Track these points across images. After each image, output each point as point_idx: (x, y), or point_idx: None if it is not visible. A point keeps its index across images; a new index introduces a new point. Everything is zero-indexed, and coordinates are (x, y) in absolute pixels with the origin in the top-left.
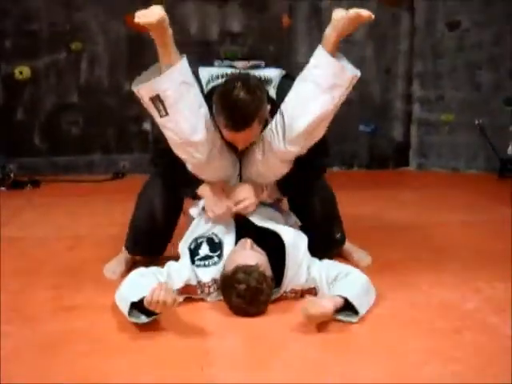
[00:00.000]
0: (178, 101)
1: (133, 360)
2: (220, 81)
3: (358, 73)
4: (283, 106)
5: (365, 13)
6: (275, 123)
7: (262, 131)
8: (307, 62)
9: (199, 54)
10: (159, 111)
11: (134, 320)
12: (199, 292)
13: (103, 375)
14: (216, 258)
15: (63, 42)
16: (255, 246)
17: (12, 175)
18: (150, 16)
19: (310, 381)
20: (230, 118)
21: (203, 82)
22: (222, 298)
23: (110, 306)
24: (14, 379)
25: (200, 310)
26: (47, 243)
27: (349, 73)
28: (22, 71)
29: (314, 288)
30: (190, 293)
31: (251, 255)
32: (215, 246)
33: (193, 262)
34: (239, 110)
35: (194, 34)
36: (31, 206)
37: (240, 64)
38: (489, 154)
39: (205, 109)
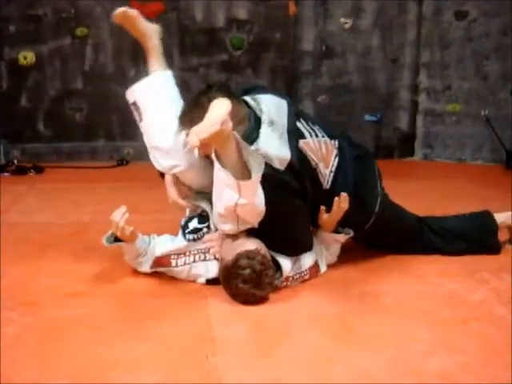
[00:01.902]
0: (150, 109)
1: (137, 348)
2: None
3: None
4: None
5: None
6: None
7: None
8: (313, 49)
9: (205, 41)
10: (136, 116)
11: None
12: (173, 263)
13: (106, 363)
14: (205, 229)
15: (68, 28)
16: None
17: (15, 161)
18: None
19: (316, 369)
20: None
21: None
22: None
23: (114, 292)
24: (16, 366)
25: (204, 298)
26: (50, 229)
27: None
28: (26, 56)
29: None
30: (163, 265)
31: (249, 241)
32: (204, 218)
33: (184, 236)
34: (190, 107)
35: (200, 21)
36: (34, 191)
37: None
38: (495, 145)
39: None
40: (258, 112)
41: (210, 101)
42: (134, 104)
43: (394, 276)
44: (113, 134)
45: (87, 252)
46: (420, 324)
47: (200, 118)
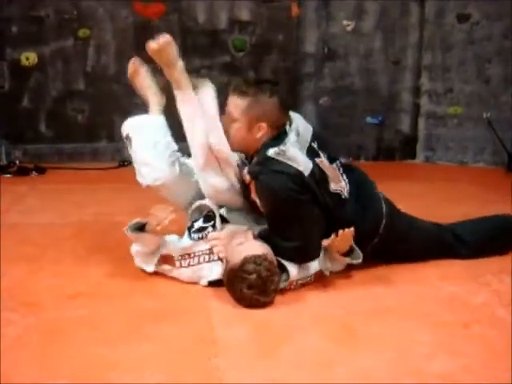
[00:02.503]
0: (140, 135)
1: (138, 349)
2: None
3: None
4: None
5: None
6: None
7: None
8: (315, 51)
9: (207, 42)
10: (128, 146)
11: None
12: (177, 264)
13: (107, 363)
14: (210, 228)
15: (70, 29)
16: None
17: (17, 162)
18: None
19: (317, 371)
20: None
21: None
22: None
23: (115, 293)
24: (17, 366)
25: (207, 300)
26: (52, 230)
27: None
28: (29, 57)
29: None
30: (167, 262)
31: (257, 245)
32: (209, 218)
33: (190, 236)
34: (251, 82)
35: (202, 22)
36: (36, 192)
37: None
38: (497, 147)
39: (163, 146)
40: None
41: (271, 92)
42: (127, 137)
43: (395, 278)
44: (114, 135)
45: (88, 253)
46: (421, 326)
47: (252, 95)
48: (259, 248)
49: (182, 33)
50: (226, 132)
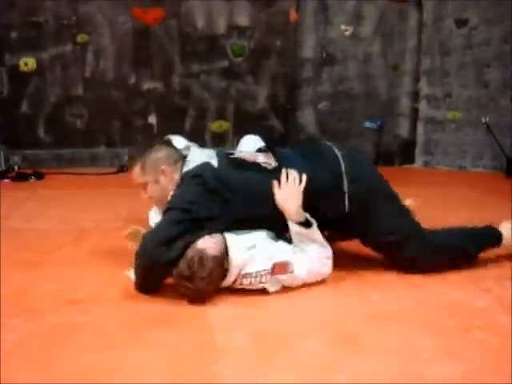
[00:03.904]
0: None
1: (138, 355)
2: None
3: None
4: None
5: None
6: None
7: None
8: (313, 56)
9: (206, 47)
10: None
11: None
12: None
13: (107, 369)
14: None
15: (69, 35)
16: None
17: (16, 167)
18: None
19: (317, 377)
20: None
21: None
22: None
23: (115, 299)
24: (17, 372)
25: (206, 305)
26: (51, 236)
27: None
28: (27, 63)
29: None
30: None
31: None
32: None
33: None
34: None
35: (200, 28)
36: (35, 198)
37: None
38: (496, 152)
39: None
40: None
41: (145, 147)
42: None
43: (395, 284)
44: (113, 141)
45: (88, 258)
46: (422, 332)
47: (138, 159)
48: (205, 242)
49: (181, 38)
50: (154, 201)
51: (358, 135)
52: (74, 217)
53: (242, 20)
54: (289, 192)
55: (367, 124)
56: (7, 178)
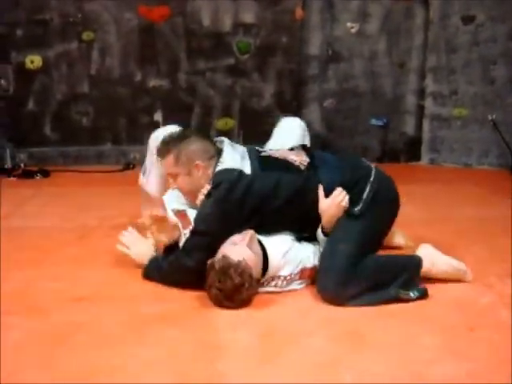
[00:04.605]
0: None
1: (141, 353)
2: None
3: None
4: None
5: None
6: None
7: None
8: (319, 54)
9: (212, 45)
10: None
11: None
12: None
13: (110, 367)
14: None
15: (75, 32)
16: (255, 242)
17: (22, 165)
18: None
19: (322, 375)
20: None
21: None
22: None
23: (118, 297)
24: (19, 370)
25: (210, 304)
26: (56, 233)
27: None
28: (33, 60)
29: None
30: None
31: (239, 251)
32: None
33: None
34: (166, 140)
35: (206, 25)
36: (41, 195)
37: None
38: (502, 150)
39: None
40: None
41: (185, 135)
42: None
43: None
44: (119, 138)
45: (92, 256)
46: (426, 330)
47: (173, 147)
48: (240, 254)
49: (187, 35)
50: (183, 192)
51: (364, 132)
52: (79, 215)
53: (248, 17)
54: (335, 204)
55: (373, 121)
56: (13, 176)
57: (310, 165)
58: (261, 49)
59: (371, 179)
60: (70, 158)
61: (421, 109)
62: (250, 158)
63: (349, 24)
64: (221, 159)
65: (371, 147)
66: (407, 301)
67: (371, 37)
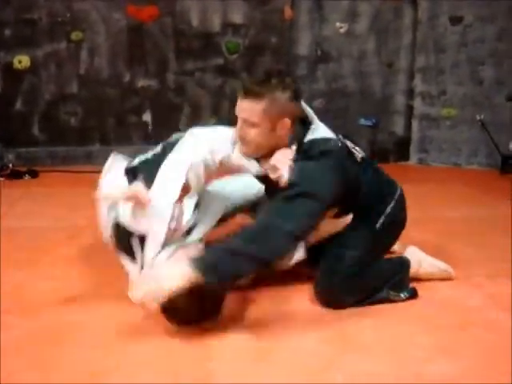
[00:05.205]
0: None
1: (134, 353)
2: None
3: None
4: None
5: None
6: None
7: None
8: (308, 54)
9: (201, 45)
10: None
11: None
12: None
13: (104, 367)
14: None
15: (63, 32)
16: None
17: (10, 165)
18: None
19: (313, 376)
20: (246, 81)
21: None
22: None
23: (111, 297)
24: (14, 371)
25: None
26: (46, 234)
27: None
28: (21, 60)
29: None
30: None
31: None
32: None
33: None
34: (260, 81)
35: (195, 25)
36: (29, 196)
37: None
38: (490, 149)
39: None
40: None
41: (284, 84)
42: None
43: None
44: (108, 139)
45: (84, 256)
46: (417, 329)
47: (268, 94)
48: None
49: (176, 36)
50: (243, 139)
51: (353, 133)
52: (68, 215)
53: (237, 17)
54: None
55: (362, 121)
56: (1, 176)
57: (362, 159)
58: (250, 49)
59: (396, 196)
60: (58, 159)
61: (410, 109)
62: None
63: (338, 24)
64: (313, 125)
65: (360, 147)
66: (398, 301)
67: (360, 37)
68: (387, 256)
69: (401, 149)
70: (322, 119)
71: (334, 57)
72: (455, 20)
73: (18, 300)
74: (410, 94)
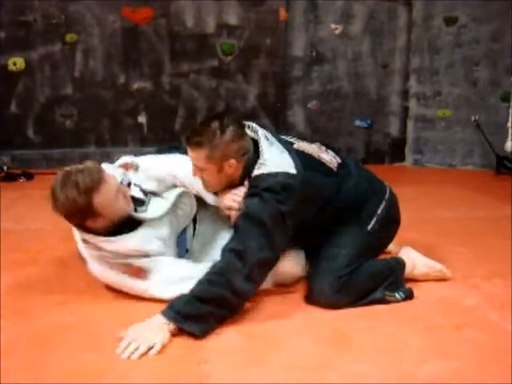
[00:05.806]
0: None
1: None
2: None
3: None
4: None
5: None
6: None
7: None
8: (303, 55)
9: (195, 47)
10: None
11: None
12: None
13: (97, 370)
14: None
15: (58, 34)
16: None
17: (5, 168)
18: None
19: (308, 377)
20: (188, 130)
21: None
22: None
23: (104, 299)
24: (6, 374)
25: None
26: (41, 236)
27: None
28: (16, 62)
29: None
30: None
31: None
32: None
33: None
34: (200, 128)
35: (190, 27)
36: (24, 198)
37: None
38: (485, 150)
39: None
40: (253, 135)
41: (222, 128)
42: None
43: None
44: (103, 140)
45: (78, 258)
46: (412, 330)
47: (207, 142)
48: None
49: (171, 37)
50: (200, 179)
51: (348, 134)
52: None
53: (232, 19)
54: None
55: (357, 122)
56: None
57: (340, 166)
58: (244, 50)
59: (386, 196)
60: (53, 161)
61: (405, 110)
62: (287, 150)
63: (332, 25)
64: (261, 160)
65: (355, 148)
66: (393, 302)
67: (355, 38)
68: (382, 256)
69: (396, 150)
70: (316, 120)
71: (328, 58)
72: (450, 21)
73: (12, 302)
74: (405, 94)
